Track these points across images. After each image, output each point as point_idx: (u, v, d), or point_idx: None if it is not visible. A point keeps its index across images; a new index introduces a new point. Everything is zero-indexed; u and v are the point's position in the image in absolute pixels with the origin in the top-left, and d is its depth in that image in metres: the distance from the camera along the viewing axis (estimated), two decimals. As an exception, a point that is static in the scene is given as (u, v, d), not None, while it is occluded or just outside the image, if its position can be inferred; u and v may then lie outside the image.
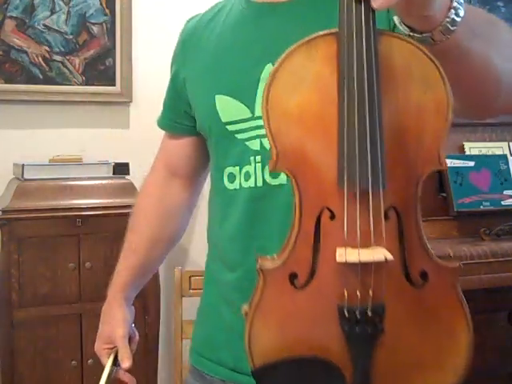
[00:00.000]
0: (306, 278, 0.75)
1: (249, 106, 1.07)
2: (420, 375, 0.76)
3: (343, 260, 0.71)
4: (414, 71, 0.74)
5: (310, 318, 0.75)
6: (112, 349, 1.27)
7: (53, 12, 2.67)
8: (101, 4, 2.73)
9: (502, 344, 2.47)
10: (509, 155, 2.52)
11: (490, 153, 2.51)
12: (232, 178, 1.11)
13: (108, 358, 1.27)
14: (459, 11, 0.77)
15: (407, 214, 0.75)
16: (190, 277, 2.16)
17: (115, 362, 1.25)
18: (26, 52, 2.64)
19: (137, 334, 1.32)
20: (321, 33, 0.77)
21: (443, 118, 0.74)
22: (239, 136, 1.09)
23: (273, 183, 1.05)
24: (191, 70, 1.18)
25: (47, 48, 2.67)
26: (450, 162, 2.38)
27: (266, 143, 1.05)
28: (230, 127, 1.09)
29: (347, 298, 0.72)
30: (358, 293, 0.72)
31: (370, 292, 0.71)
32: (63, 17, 2.69)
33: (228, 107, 1.09)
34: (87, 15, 2.72)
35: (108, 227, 2.31)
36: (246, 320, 0.76)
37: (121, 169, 2.52)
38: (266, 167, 1.05)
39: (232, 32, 1.13)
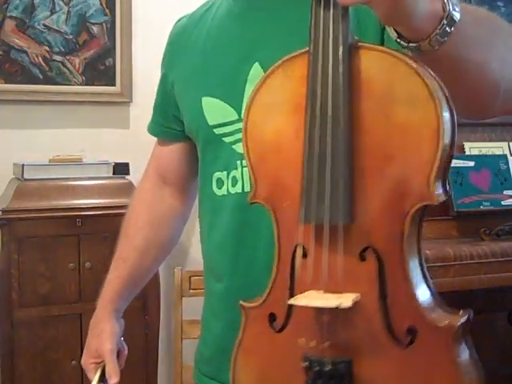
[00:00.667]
0: (283, 321, 0.67)
1: (235, 107, 1.04)
2: None
3: (293, 303, 0.63)
4: (397, 88, 0.62)
5: (284, 365, 0.67)
6: (99, 363, 1.22)
7: (53, 12, 2.67)
8: (101, 4, 2.73)
9: (502, 344, 2.47)
10: (509, 155, 2.52)
11: (490, 153, 2.51)
12: (220, 183, 1.07)
13: (95, 373, 1.22)
14: (453, 21, 0.70)
15: (390, 258, 0.63)
16: (190, 277, 2.16)
17: (102, 378, 1.20)
18: (26, 52, 2.64)
19: (126, 347, 1.27)
20: (296, 52, 0.72)
21: (432, 144, 0.60)
22: (226, 139, 1.05)
23: None
24: (179, 72, 1.15)
25: (47, 48, 2.67)
26: (449, 162, 2.38)
27: None
28: (217, 130, 1.06)
29: (311, 348, 0.63)
30: (318, 344, 0.63)
31: (327, 344, 0.63)
32: (63, 17, 2.69)
33: (215, 109, 1.06)
34: (87, 15, 2.72)
35: (108, 227, 2.31)
36: (231, 356, 0.72)
37: (121, 169, 2.52)
38: None
39: (218, 31, 1.09)
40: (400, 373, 0.61)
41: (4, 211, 2.29)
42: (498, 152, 2.52)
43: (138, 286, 1.33)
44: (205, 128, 1.07)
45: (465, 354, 0.59)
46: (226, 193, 1.05)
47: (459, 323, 0.59)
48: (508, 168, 2.47)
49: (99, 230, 2.33)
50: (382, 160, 0.63)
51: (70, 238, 2.33)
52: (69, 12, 2.69)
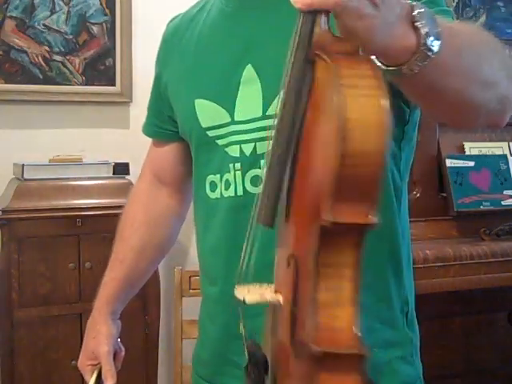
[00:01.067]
0: None
1: (228, 110, 1.02)
2: None
3: (235, 292, 0.72)
4: (325, 98, 0.58)
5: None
6: (96, 365, 1.21)
7: (53, 12, 2.67)
8: (101, 4, 2.73)
9: (502, 344, 2.47)
10: (509, 155, 2.52)
11: (490, 153, 2.51)
12: (214, 186, 1.05)
13: (91, 375, 1.21)
14: (427, 56, 0.67)
15: (302, 269, 0.62)
16: (189, 277, 2.16)
17: (99, 380, 1.20)
18: (26, 52, 2.64)
19: (123, 349, 1.26)
20: None
21: (328, 159, 0.56)
22: (220, 142, 1.04)
23: (254, 191, 0.97)
24: (172, 72, 1.14)
25: (47, 48, 2.67)
26: (449, 162, 2.38)
27: (247, 149, 1.00)
28: (210, 133, 1.04)
29: (242, 328, 0.76)
30: (242, 326, 0.74)
31: (242, 327, 0.74)
32: (63, 17, 2.69)
33: (207, 112, 1.04)
34: (87, 15, 2.72)
35: (108, 227, 2.30)
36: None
37: (121, 169, 2.52)
38: (247, 175, 1.00)
39: (212, 31, 1.08)
40: (290, 374, 0.64)
41: (4, 211, 2.29)
42: (498, 152, 2.52)
43: (135, 287, 1.31)
44: (198, 130, 1.06)
45: None
46: (219, 196, 1.04)
47: (319, 355, 0.56)
48: (508, 168, 2.47)
49: (99, 229, 2.33)
50: (306, 170, 0.63)
51: (70, 237, 2.33)
52: (69, 12, 2.69)
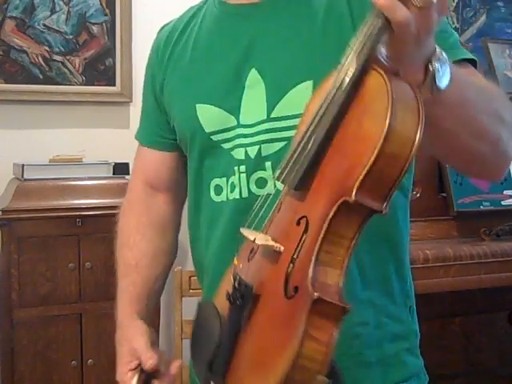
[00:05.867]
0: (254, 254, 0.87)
1: (233, 113, 1.03)
2: (255, 371, 0.77)
3: (241, 231, 0.85)
4: (374, 104, 0.73)
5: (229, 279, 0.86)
6: (136, 369, 1.06)
7: (53, 12, 2.67)
8: (101, 4, 2.73)
9: (502, 344, 2.47)
10: (509, 155, 2.52)
11: (490, 153, 2.51)
12: (219, 190, 1.05)
13: (132, 378, 1.05)
14: (434, 89, 0.77)
15: (312, 231, 0.74)
16: (189, 277, 2.16)
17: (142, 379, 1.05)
18: (26, 52, 2.64)
19: (164, 354, 1.10)
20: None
21: (367, 153, 0.70)
22: (225, 146, 1.04)
23: (259, 193, 0.99)
24: (169, 78, 1.13)
25: (47, 48, 2.67)
26: (450, 162, 2.38)
27: (251, 152, 1.02)
28: (214, 137, 1.05)
29: (239, 268, 0.84)
30: (243, 266, 0.83)
31: (245, 267, 0.82)
32: (63, 17, 2.69)
33: (211, 116, 1.04)
34: (87, 15, 2.72)
35: (108, 227, 2.30)
36: None
37: (121, 169, 2.52)
38: (252, 177, 1.01)
39: (209, 37, 1.09)
40: (276, 311, 0.75)
41: (4, 211, 2.29)
42: (498, 152, 2.52)
43: (150, 300, 1.20)
44: (201, 135, 1.06)
45: (320, 330, 0.69)
46: (225, 199, 1.04)
47: (313, 300, 0.68)
48: (508, 168, 2.47)
49: (99, 229, 2.33)
50: (341, 151, 0.75)
51: (69, 237, 2.33)
52: (69, 12, 2.69)
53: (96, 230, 2.34)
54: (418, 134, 0.71)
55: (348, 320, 0.70)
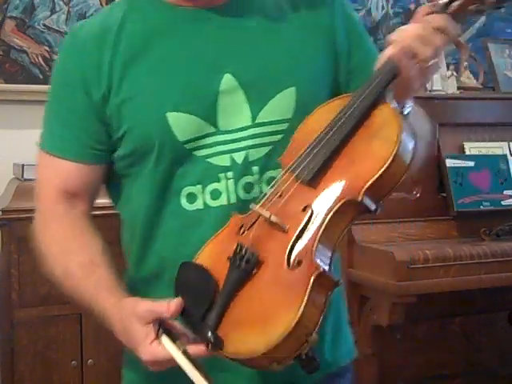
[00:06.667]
0: (246, 229, 0.97)
1: (209, 120, 1.02)
2: (250, 328, 0.89)
3: (255, 209, 0.95)
4: (383, 130, 0.94)
5: (227, 246, 0.95)
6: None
7: (53, 12, 2.67)
8: (101, 4, 2.73)
9: (502, 344, 2.47)
10: (509, 155, 2.52)
11: (490, 153, 2.51)
12: (192, 198, 1.04)
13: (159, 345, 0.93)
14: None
15: (315, 221, 0.90)
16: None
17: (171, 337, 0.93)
18: (26, 52, 2.64)
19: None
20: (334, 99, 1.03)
21: (376, 168, 0.90)
22: (198, 153, 1.03)
23: (247, 198, 1.01)
24: (119, 88, 1.05)
25: (47, 48, 2.67)
26: (450, 162, 2.39)
27: (238, 157, 1.02)
28: (188, 145, 1.03)
29: (244, 237, 0.94)
30: (252, 239, 0.93)
31: (254, 239, 0.92)
32: (63, 17, 2.69)
33: (185, 125, 1.02)
34: (87, 15, 2.72)
35: (108, 227, 2.30)
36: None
37: (121, 169, 2.52)
38: (239, 182, 1.03)
39: (165, 43, 1.05)
40: (278, 279, 0.89)
41: (4, 211, 2.29)
42: (498, 152, 2.52)
43: (122, 284, 1.07)
44: (173, 144, 1.03)
45: (315, 296, 0.85)
46: (201, 207, 1.04)
47: (318, 271, 0.85)
48: (508, 168, 2.47)
49: (99, 229, 2.32)
50: (350, 159, 0.93)
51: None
52: (69, 12, 2.69)
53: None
54: (412, 159, 0.93)
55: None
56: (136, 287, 1.09)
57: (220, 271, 0.93)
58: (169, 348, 0.91)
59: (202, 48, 1.04)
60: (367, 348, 2.21)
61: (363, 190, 0.89)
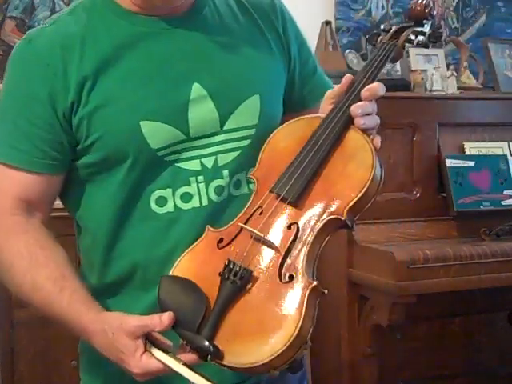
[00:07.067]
0: (227, 242, 1.02)
1: (181, 128, 1.06)
2: (250, 338, 0.94)
3: (244, 226, 1.00)
4: (357, 154, 1.02)
5: (213, 263, 1.00)
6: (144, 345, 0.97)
7: (53, 12, 2.67)
8: (101, 4, 2.73)
9: (502, 344, 2.47)
10: (509, 155, 2.52)
11: (490, 153, 2.51)
12: (162, 201, 1.07)
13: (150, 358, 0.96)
14: None
15: (302, 235, 0.98)
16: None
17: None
18: (25, 52, 2.64)
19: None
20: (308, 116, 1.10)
21: (357, 190, 0.99)
22: (168, 158, 1.06)
23: (217, 200, 1.08)
24: (87, 99, 1.05)
25: (47, 48, 2.67)
26: (450, 162, 2.39)
27: (207, 162, 1.08)
28: (160, 152, 1.06)
29: (235, 254, 0.98)
30: (241, 254, 0.97)
31: (245, 255, 0.97)
32: (56, 15, 2.68)
33: (158, 133, 1.05)
34: (87, 15, 2.72)
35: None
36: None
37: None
38: (210, 186, 1.08)
39: (136, 54, 1.06)
40: (272, 293, 0.95)
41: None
42: (498, 152, 2.52)
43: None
44: (146, 152, 1.05)
45: (310, 308, 0.93)
46: (172, 209, 1.07)
47: (312, 286, 0.93)
48: (508, 168, 2.47)
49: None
50: (330, 181, 1.01)
51: (69, 237, 2.32)
52: (69, 12, 2.70)
53: (96, 229, 2.34)
54: (381, 178, 1.02)
55: None
56: (99, 293, 1.09)
57: (209, 285, 0.97)
58: (163, 359, 0.94)
59: (169, 59, 1.07)
60: (367, 348, 2.21)
61: (346, 209, 0.98)
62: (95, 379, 1.20)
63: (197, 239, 1.05)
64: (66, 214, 1.26)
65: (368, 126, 1.03)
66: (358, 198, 0.98)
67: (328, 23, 2.86)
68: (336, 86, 1.11)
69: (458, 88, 2.74)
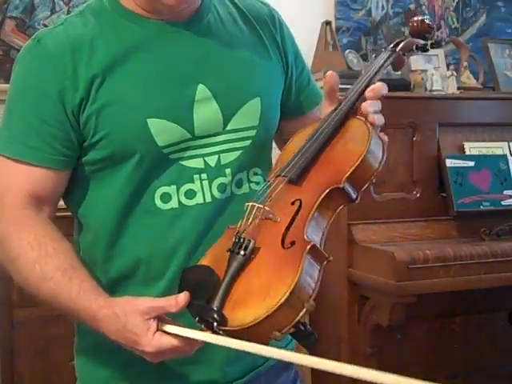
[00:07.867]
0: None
1: (187, 127, 1.09)
2: (251, 300, 0.96)
3: (249, 203, 1.05)
4: (357, 135, 1.08)
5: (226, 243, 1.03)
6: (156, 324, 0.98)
7: (53, 12, 2.67)
8: (101, 4, 2.73)
9: (502, 344, 2.47)
10: (509, 155, 2.52)
11: (490, 153, 2.51)
12: (166, 197, 1.10)
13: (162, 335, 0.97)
14: None
15: (304, 210, 1.01)
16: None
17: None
18: (26, 52, 2.64)
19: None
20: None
21: (354, 159, 1.03)
22: (173, 156, 1.10)
23: (220, 197, 1.12)
24: (95, 97, 1.07)
25: (47, 48, 2.67)
26: (450, 162, 2.39)
27: (211, 161, 1.12)
28: (166, 150, 1.09)
29: (243, 231, 1.01)
30: (249, 229, 1.01)
31: (251, 229, 1.01)
32: (63, 17, 2.69)
33: (164, 131, 1.08)
34: (87, 15, 2.72)
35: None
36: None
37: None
38: (213, 183, 1.12)
39: (144, 56, 1.10)
40: (274, 257, 0.97)
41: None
42: (498, 152, 2.52)
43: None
44: (153, 149, 1.08)
45: (309, 267, 0.95)
46: (176, 206, 1.10)
47: (310, 245, 0.95)
48: (508, 168, 2.47)
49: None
50: (330, 159, 1.06)
51: (69, 238, 2.32)
52: (69, 12, 2.69)
53: (96, 229, 2.34)
54: (383, 156, 1.06)
55: None
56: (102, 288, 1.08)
57: (221, 264, 0.99)
58: (177, 330, 0.96)
59: (176, 61, 1.11)
60: (367, 348, 2.21)
61: (344, 177, 1.02)
62: (91, 379, 1.26)
63: (200, 235, 1.10)
64: (68, 214, 1.26)
65: (378, 123, 1.07)
66: (354, 166, 1.02)
67: (328, 23, 2.86)
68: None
69: (458, 88, 2.74)
